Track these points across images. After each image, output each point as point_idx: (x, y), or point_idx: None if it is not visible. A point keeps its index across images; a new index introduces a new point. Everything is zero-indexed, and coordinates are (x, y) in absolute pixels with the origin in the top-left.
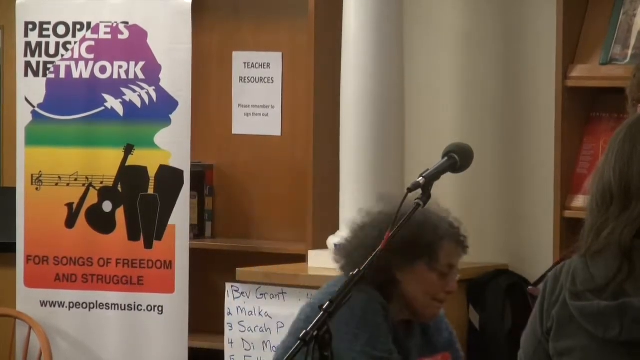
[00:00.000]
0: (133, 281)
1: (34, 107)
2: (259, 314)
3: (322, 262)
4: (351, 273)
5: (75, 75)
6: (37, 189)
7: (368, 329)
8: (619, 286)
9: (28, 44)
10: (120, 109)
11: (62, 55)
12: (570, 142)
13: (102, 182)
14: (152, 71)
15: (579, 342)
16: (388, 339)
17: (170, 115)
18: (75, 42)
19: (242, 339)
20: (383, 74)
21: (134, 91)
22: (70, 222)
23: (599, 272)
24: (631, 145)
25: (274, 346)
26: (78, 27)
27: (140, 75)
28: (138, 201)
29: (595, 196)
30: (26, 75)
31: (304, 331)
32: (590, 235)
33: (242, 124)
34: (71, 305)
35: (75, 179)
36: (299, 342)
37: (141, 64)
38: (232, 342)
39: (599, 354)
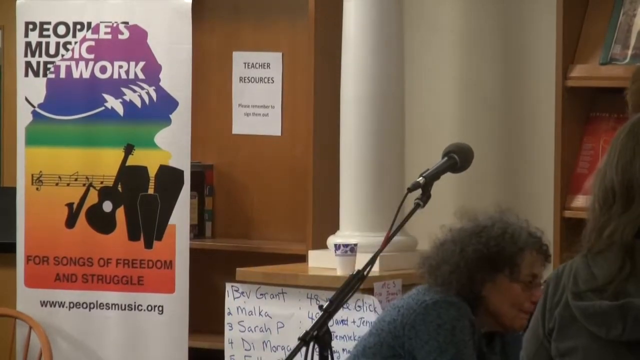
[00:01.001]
0: (133, 281)
1: (34, 107)
2: (259, 314)
3: (322, 262)
4: (351, 274)
5: (76, 75)
6: (37, 189)
7: (455, 345)
8: (620, 285)
9: (28, 44)
10: (120, 109)
11: (63, 55)
12: (570, 142)
13: (102, 182)
14: (152, 71)
15: (581, 343)
16: (473, 358)
17: (171, 115)
18: (76, 42)
19: (242, 339)
20: (383, 73)
21: (134, 91)
22: (71, 222)
23: (600, 272)
24: (633, 144)
25: (274, 346)
26: (78, 27)
27: (141, 75)
28: (138, 201)
29: (598, 196)
30: (26, 75)
31: (305, 331)
32: (593, 235)
33: (242, 124)
34: (71, 305)
35: (76, 179)
36: (299, 342)
37: (141, 64)
38: (232, 342)
39: (602, 354)
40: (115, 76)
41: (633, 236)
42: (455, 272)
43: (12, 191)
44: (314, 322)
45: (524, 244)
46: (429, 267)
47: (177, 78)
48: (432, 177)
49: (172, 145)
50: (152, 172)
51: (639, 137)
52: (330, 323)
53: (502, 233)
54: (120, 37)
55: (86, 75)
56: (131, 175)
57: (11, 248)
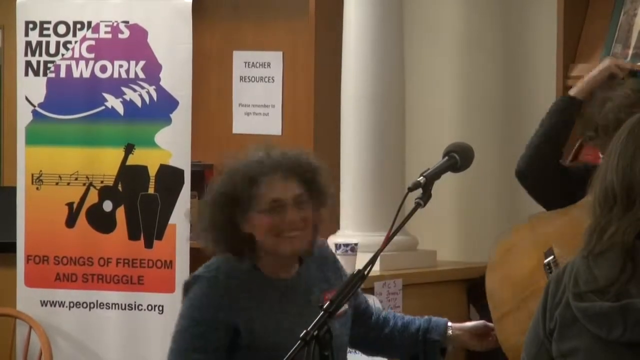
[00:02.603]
0: (133, 281)
1: (34, 106)
2: None
3: None
4: (351, 273)
5: (76, 74)
6: (37, 188)
7: (183, 319)
8: (622, 287)
9: (28, 44)
10: (120, 109)
11: (63, 55)
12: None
13: (102, 182)
14: (153, 70)
15: (583, 343)
16: (199, 342)
17: (171, 115)
18: (76, 42)
19: None
20: (383, 73)
21: (135, 90)
22: (71, 221)
23: (601, 273)
24: (634, 146)
25: None
26: (78, 26)
27: (141, 75)
28: (138, 201)
29: (598, 197)
30: (26, 74)
31: (305, 331)
32: (594, 236)
33: (242, 124)
34: (71, 304)
35: (76, 179)
36: (299, 341)
37: (141, 63)
38: None
39: (602, 355)
40: (116, 75)
41: (634, 238)
42: (216, 228)
43: (12, 191)
44: (314, 321)
45: (255, 174)
46: (201, 233)
47: (177, 77)
48: (432, 177)
49: (173, 145)
50: (153, 171)
51: (639, 139)
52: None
53: (230, 175)
54: (120, 36)
55: (86, 74)
56: (131, 175)
57: (11, 248)
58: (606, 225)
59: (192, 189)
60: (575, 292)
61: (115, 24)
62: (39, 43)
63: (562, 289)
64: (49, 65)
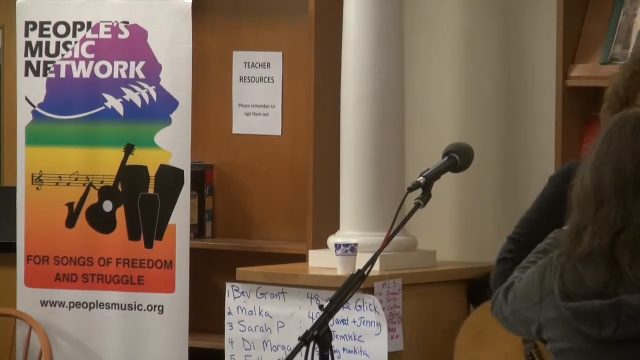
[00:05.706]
0: (133, 281)
1: (34, 106)
2: (259, 313)
3: (323, 262)
4: (351, 273)
5: (76, 74)
6: (37, 188)
7: None
8: (613, 292)
9: (28, 44)
10: (120, 109)
11: (63, 55)
12: (570, 142)
13: (102, 182)
14: (153, 71)
15: (573, 344)
16: None
17: (171, 115)
18: (76, 42)
19: (243, 339)
20: (383, 73)
21: (134, 91)
22: (71, 221)
23: (590, 282)
24: (606, 146)
25: (274, 346)
26: (78, 26)
27: (141, 75)
28: (138, 201)
29: (576, 195)
30: (26, 74)
31: (305, 331)
32: (572, 235)
33: (242, 124)
34: (71, 304)
35: (76, 179)
36: (299, 341)
37: (141, 63)
38: (232, 342)
39: (594, 355)
40: (115, 76)
41: (609, 244)
42: None
43: (12, 191)
44: (314, 321)
45: None
46: None
47: (177, 78)
48: (432, 177)
49: (172, 145)
50: (152, 171)
51: (613, 138)
52: (330, 323)
53: None
54: (120, 36)
55: (86, 74)
56: (131, 175)
57: (11, 248)
58: (582, 229)
59: (192, 189)
60: (562, 290)
61: (115, 24)
62: (39, 43)
63: (548, 281)
64: (49, 65)
